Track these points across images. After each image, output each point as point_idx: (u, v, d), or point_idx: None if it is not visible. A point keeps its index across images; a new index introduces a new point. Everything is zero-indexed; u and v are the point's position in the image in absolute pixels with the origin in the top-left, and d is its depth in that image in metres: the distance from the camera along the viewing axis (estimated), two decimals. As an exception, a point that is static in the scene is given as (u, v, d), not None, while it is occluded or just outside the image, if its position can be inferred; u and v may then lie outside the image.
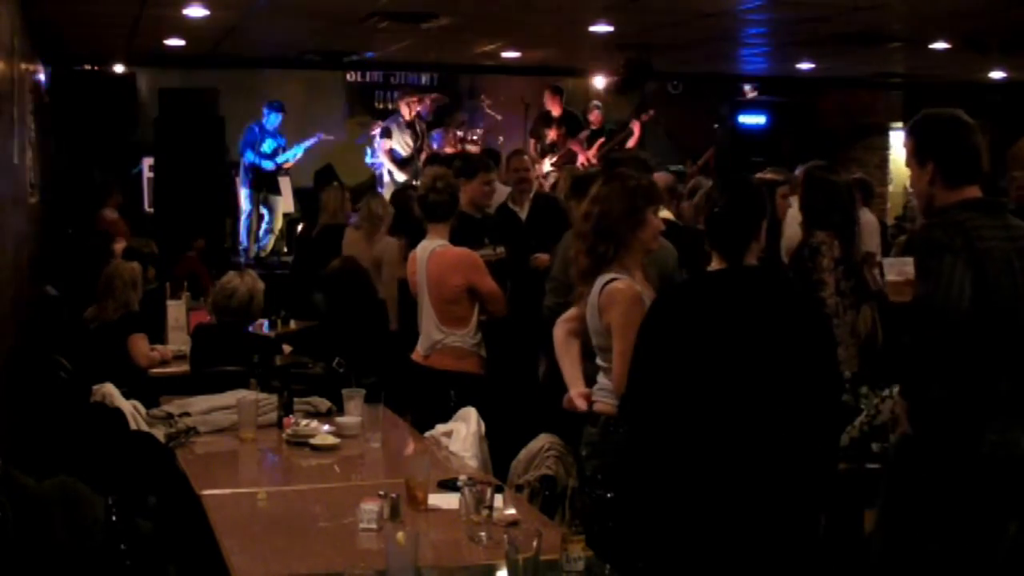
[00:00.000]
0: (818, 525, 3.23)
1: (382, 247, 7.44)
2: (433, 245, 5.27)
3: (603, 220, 3.87)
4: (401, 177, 11.71)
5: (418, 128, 12.07)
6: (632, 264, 3.87)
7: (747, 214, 3.36)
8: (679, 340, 3.21)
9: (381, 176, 12.13)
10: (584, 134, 12.22)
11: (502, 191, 6.84)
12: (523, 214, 6.72)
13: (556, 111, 12.19)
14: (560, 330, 4.17)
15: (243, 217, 11.92)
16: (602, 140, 12.12)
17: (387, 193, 11.46)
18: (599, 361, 3.93)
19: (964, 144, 3.48)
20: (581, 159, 11.77)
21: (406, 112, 12.04)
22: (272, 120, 11.74)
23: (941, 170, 3.46)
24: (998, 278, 3.32)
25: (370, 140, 12.46)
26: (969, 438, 3.32)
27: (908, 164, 3.59)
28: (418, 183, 9.78)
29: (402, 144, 11.92)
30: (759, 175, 6.24)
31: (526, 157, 7.41)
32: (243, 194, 11.83)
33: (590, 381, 4.00)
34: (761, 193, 3.51)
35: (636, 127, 12.15)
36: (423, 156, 11.62)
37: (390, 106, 13.38)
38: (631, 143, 12.00)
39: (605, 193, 3.92)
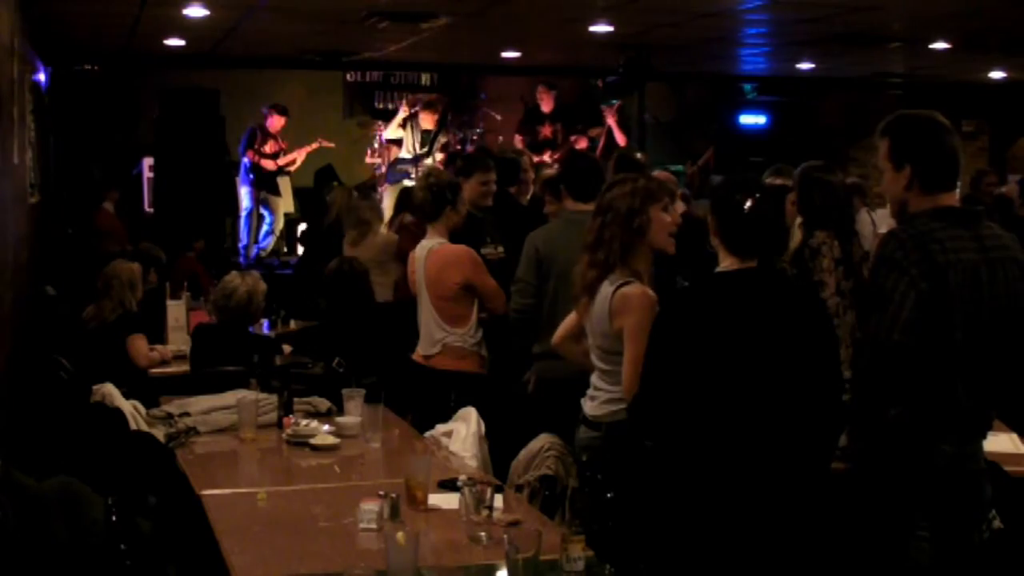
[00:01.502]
0: (819, 525, 3.22)
1: (378, 245, 7.42)
2: (431, 244, 5.27)
3: (604, 228, 3.86)
4: (382, 172, 11.79)
5: (437, 137, 12.06)
6: (641, 267, 3.85)
7: (774, 214, 3.36)
8: (698, 342, 3.21)
9: (374, 176, 12.20)
10: (594, 131, 12.22)
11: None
12: None
13: (548, 107, 12.18)
14: (566, 344, 4.20)
15: (244, 214, 11.91)
16: (605, 140, 12.13)
17: (386, 191, 11.56)
18: (600, 364, 3.92)
19: (944, 149, 3.34)
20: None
21: (426, 121, 11.96)
22: (273, 123, 11.75)
23: (919, 175, 3.32)
24: (961, 291, 3.20)
25: (372, 139, 12.45)
26: (924, 452, 3.23)
27: (881, 166, 3.43)
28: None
29: (409, 147, 11.91)
30: (767, 179, 6.24)
31: (525, 158, 7.41)
32: (244, 191, 11.83)
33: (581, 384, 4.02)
34: (778, 195, 3.53)
35: (611, 121, 12.05)
36: (438, 158, 11.63)
37: (390, 106, 13.39)
38: (620, 142, 11.91)
39: (607, 200, 3.91)
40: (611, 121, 12.06)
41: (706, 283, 3.43)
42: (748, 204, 3.31)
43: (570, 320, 4.13)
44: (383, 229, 7.98)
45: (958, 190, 3.55)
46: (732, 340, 3.17)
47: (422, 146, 11.84)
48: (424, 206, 5.29)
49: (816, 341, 3.23)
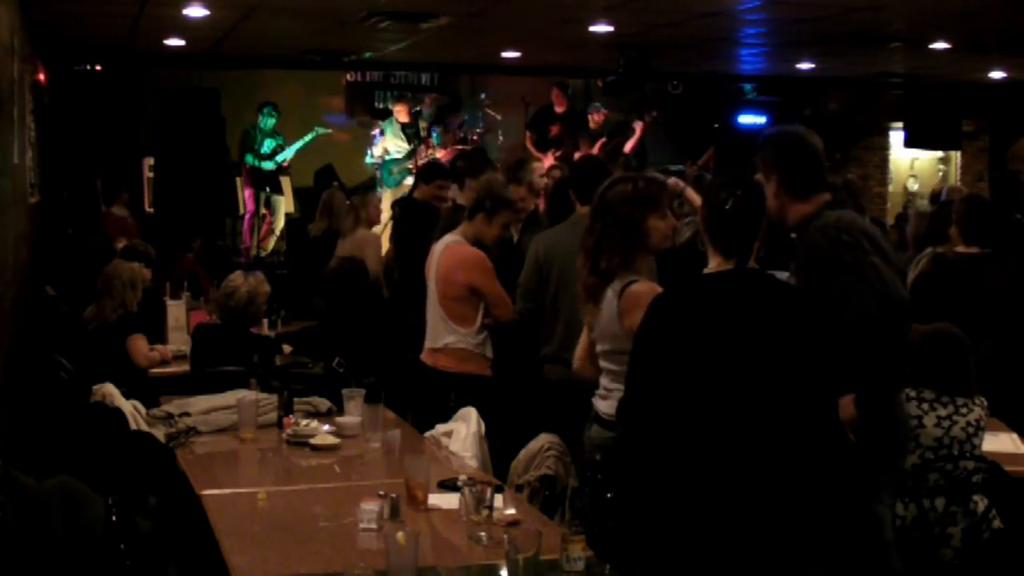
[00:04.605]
0: (817, 526, 3.20)
1: (359, 241, 7.44)
2: (449, 240, 5.28)
3: (604, 236, 3.82)
4: (378, 174, 11.82)
5: (419, 128, 12.08)
6: (641, 269, 3.83)
7: (755, 213, 3.28)
8: (681, 344, 3.18)
9: (374, 177, 12.21)
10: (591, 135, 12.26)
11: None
12: None
13: (560, 108, 12.21)
14: (586, 366, 4.12)
15: (248, 216, 11.92)
16: (603, 139, 12.14)
17: (385, 194, 11.56)
18: (609, 365, 3.87)
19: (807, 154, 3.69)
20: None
21: (401, 114, 12.04)
22: (267, 122, 11.76)
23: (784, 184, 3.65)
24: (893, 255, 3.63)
25: (370, 140, 12.47)
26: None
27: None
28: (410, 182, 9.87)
29: (396, 146, 11.93)
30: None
31: (538, 164, 7.35)
32: (248, 194, 11.84)
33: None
34: (763, 192, 3.47)
35: (639, 127, 12.15)
36: (423, 157, 11.62)
37: (390, 106, 13.42)
38: (631, 143, 12.00)
39: (607, 200, 3.87)
40: (638, 126, 12.14)
41: (690, 284, 3.40)
42: (730, 202, 3.27)
43: (585, 340, 4.04)
44: (377, 229, 8.02)
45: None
46: (716, 343, 3.13)
47: (408, 141, 11.88)
48: (472, 202, 5.35)
49: (809, 343, 3.19)
